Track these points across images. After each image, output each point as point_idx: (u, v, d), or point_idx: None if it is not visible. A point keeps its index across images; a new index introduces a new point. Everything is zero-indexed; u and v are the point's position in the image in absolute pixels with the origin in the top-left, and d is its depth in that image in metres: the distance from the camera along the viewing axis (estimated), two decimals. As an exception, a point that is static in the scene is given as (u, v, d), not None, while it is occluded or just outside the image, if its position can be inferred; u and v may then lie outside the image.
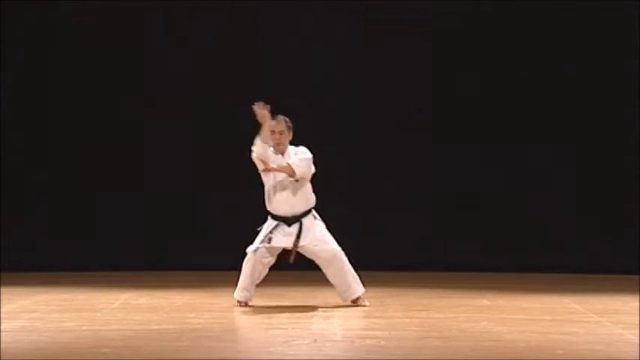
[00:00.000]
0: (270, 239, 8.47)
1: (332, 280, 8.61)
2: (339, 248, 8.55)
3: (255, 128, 7.77)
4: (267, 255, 8.53)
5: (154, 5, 12.25)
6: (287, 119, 8.55)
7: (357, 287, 8.60)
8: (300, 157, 8.46)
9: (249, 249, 8.54)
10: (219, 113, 12.11)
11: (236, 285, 8.62)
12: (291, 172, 8.40)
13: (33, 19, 12.26)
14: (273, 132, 8.47)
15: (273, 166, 8.39)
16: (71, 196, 12.23)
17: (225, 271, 11.57)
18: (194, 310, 8.36)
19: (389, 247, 11.73)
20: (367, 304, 8.59)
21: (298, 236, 8.48)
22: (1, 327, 7.25)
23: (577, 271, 11.60)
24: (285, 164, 8.40)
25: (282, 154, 8.52)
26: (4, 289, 9.74)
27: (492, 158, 12.08)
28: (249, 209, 12.03)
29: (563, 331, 7.27)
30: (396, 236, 11.86)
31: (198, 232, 12.11)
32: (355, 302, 8.59)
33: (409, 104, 12.16)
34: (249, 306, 8.54)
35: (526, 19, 12.09)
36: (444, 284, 10.61)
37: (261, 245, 8.49)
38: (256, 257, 8.49)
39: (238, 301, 8.60)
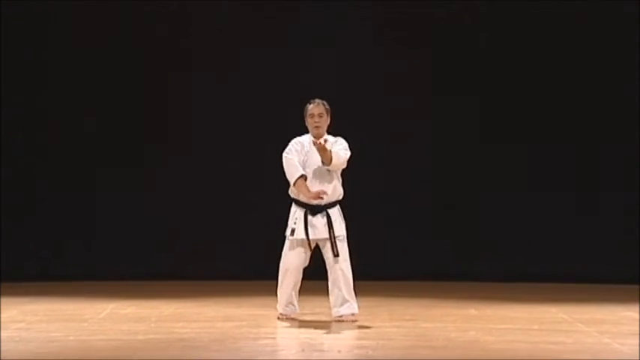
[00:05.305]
0: (295, 232, 8.22)
1: (332, 288, 8.23)
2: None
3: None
4: (302, 252, 8.27)
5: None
6: (325, 102, 8.34)
7: (354, 304, 8.27)
8: (343, 152, 8.19)
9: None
10: (215, 124, 12.12)
11: (275, 295, 8.40)
12: (328, 160, 8.11)
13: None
14: (312, 115, 8.26)
15: (327, 145, 8.04)
16: (60, 207, 12.17)
17: (213, 281, 11.61)
18: (181, 320, 8.34)
19: (377, 257, 11.69)
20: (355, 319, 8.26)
21: (330, 226, 8.25)
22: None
23: (564, 280, 11.60)
24: (328, 150, 8.08)
25: (319, 138, 8.19)
26: (-9, 300, 9.71)
27: (481, 165, 12.08)
28: (239, 219, 12.15)
29: (550, 341, 7.27)
30: (384, 246, 11.84)
31: (186, 242, 12.08)
32: (342, 318, 8.23)
33: (394, 110, 12.14)
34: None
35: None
36: (432, 294, 10.61)
37: (292, 237, 8.25)
38: (293, 260, 8.24)
39: (281, 314, 8.40)
